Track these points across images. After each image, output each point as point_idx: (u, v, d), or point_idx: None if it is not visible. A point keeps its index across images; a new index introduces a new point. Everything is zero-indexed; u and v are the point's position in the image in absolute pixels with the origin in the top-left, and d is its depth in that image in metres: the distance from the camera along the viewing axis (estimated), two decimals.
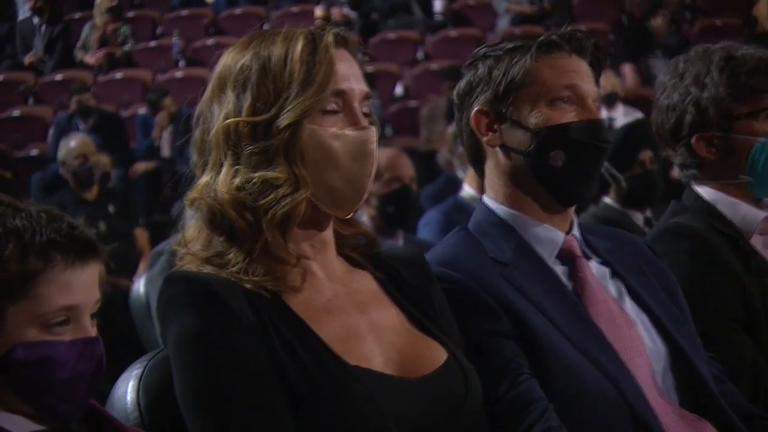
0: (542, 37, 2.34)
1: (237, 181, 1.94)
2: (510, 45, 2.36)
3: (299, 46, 1.96)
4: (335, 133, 1.96)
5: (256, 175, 1.93)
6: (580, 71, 2.34)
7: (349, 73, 1.99)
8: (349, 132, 1.96)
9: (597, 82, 2.40)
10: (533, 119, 2.32)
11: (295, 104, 1.93)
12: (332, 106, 1.97)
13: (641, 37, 10.89)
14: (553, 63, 2.33)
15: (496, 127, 2.37)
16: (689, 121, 2.72)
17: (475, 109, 2.37)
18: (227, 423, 1.83)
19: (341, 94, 1.97)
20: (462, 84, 2.42)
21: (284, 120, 1.93)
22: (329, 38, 1.97)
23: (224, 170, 1.96)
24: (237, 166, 1.95)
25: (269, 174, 1.93)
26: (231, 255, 1.95)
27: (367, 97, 2.01)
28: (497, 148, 2.38)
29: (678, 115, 2.73)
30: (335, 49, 1.98)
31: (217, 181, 1.96)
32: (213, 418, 1.84)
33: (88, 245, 1.79)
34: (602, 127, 2.35)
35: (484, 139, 2.37)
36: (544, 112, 2.31)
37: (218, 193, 1.95)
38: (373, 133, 1.98)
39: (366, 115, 2.00)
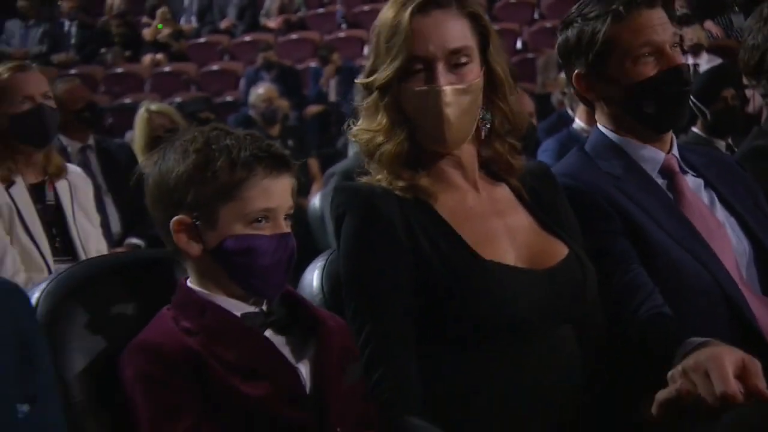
0: (614, 5, 2.22)
1: (358, 129, 2.00)
2: (591, 12, 2.26)
3: (390, 14, 1.94)
4: (414, 91, 1.94)
5: (363, 126, 1.99)
6: (653, 24, 2.23)
7: (431, 36, 1.93)
8: (424, 89, 1.93)
9: (672, 21, 2.28)
10: (623, 77, 2.25)
11: (385, 68, 1.94)
12: (417, 67, 1.93)
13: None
14: (629, 24, 2.22)
15: (594, 85, 2.32)
16: None
17: (575, 71, 2.32)
18: (369, 298, 1.89)
19: (422, 58, 1.93)
20: (560, 46, 2.36)
21: (378, 81, 1.95)
22: (408, 9, 1.92)
23: (360, 120, 2.02)
24: (361, 117, 2.01)
25: (373, 125, 1.97)
26: (381, 176, 1.99)
27: (455, 52, 1.94)
28: (599, 100, 2.35)
29: (761, 52, 2.66)
30: (421, 15, 1.93)
31: (357, 127, 2.03)
32: (360, 294, 1.91)
33: (283, 159, 1.80)
34: (682, 71, 2.25)
35: (587, 96, 2.34)
36: (631, 70, 2.23)
37: (355, 137, 2.03)
38: (446, 90, 1.92)
39: (465, 59, 1.95)
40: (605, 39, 2.24)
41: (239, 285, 1.79)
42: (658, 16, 2.25)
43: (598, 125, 2.41)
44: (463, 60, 1.95)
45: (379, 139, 1.96)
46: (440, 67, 1.93)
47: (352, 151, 5.94)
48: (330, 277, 2.07)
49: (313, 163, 7.80)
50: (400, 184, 1.95)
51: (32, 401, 1.45)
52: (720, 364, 1.60)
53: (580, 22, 2.28)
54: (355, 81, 2.02)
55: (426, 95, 1.93)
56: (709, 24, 9.97)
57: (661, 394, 1.65)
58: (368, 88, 1.98)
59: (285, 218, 1.80)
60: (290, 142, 7.59)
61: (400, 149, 1.96)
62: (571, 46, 2.31)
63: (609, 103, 2.33)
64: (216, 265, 1.78)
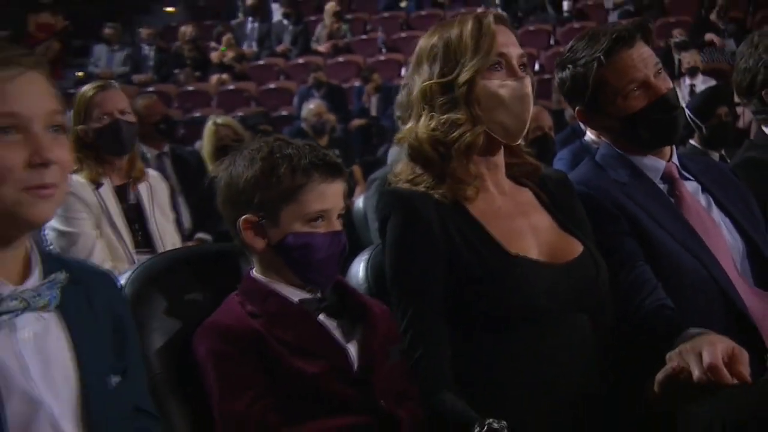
0: (598, 53, 2.20)
1: (432, 124, 1.96)
2: (580, 58, 2.24)
3: (470, 25, 1.95)
4: (501, 83, 1.94)
5: (446, 116, 1.95)
6: (633, 63, 2.20)
7: (507, 41, 1.97)
8: (510, 82, 1.95)
9: (651, 45, 2.25)
10: (617, 111, 2.22)
11: (470, 66, 1.93)
12: (497, 65, 1.95)
13: (706, 28, 10.37)
14: (613, 67, 2.19)
15: (594, 119, 2.31)
16: (761, 79, 2.61)
17: (576, 108, 2.30)
18: (411, 290, 1.88)
19: (502, 56, 1.95)
20: (559, 86, 2.33)
21: (463, 77, 1.93)
22: (490, 18, 1.96)
23: (423, 119, 1.98)
24: (432, 114, 1.97)
25: (455, 116, 1.95)
26: (425, 176, 1.98)
27: (522, 56, 1.97)
28: (601, 129, 2.35)
29: (752, 75, 2.63)
30: (495, 25, 1.96)
31: (417, 126, 1.99)
32: (403, 286, 1.90)
33: (336, 167, 1.80)
34: (668, 99, 2.21)
35: (589, 127, 2.34)
36: (623, 104, 2.21)
37: (418, 134, 1.98)
38: (528, 81, 1.95)
39: (523, 67, 1.97)
40: (595, 82, 2.21)
41: (297, 275, 1.79)
42: (638, 53, 2.21)
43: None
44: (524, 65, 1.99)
45: (460, 130, 1.94)
46: (516, 65, 1.96)
47: (390, 158, 5.93)
48: (374, 269, 2.06)
49: (357, 170, 7.79)
50: (440, 190, 1.94)
51: (123, 374, 1.46)
52: (713, 346, 1.63)
53: (572, 67, 2.26)
54: (436, 80, 1.97)
55: (514, 86, 1.94)
56: (710, 35, 9.87)
57: (660, 374, 1.67)
58: (446, 86, 1.95)
59: (337, 218, 1.80)
60: (337, 152, 7.57)
61: (477, 140, 1.95)
62: (568, 88, 2.29)
63: (609, 131, 2.31)
64: (278, 258, 1.78)
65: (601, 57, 2.19)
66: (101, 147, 3.52)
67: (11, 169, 1.29)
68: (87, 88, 3.59)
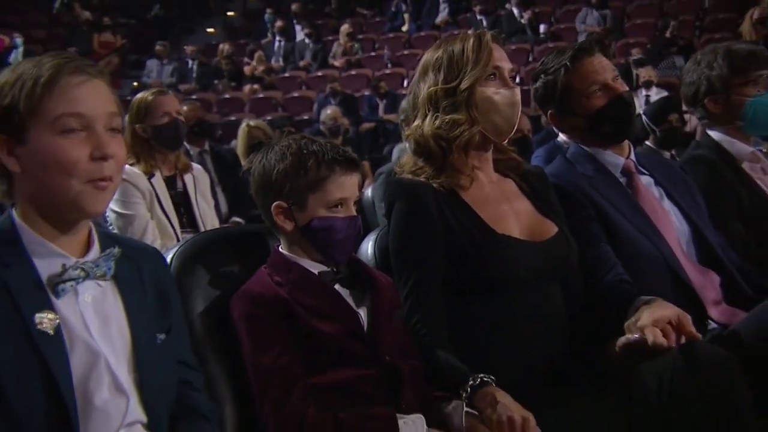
0: (565, 62, 2.21)
1: (437, 123, 1.96)
2: (550, 67, 2.25)
3: (471, 41, 1.95)
4: (495, 91, 1.95)
5: (448, 117, 1.95)
6: (594, 68, 2.20)
7: (501, 56, 1.97)
8: (503, 90, 1.95)
9: (608, 57, 2.25)
10: (583, 110, 2.22)
11: (470, 75, 1.93)
12: (492, 76, 1.95)
13: (663, 47, 10.32)
14: (577, 73, 2.21)
15: (563, 120, 2.29)
16: (703, 90, 2.60)
17: (549, 112, 2.29)
18: (411, 264, 1.87)
19: (497, 68, 1.95)
20: (534, 95, 2.32)
21: (464, 84, 1.93)
22: (488, 36, 1.97)
23: (428, 119, 1.98)
24: (436, 114, 1.96)
25: (456, 116, 1.94)
26: (426, 168, 1.97)
27: (512, 70, 1.98)
28: (570, 129, 2.33)
29: (696, 87, 2.62)
30: (492, 42, 1.96)
31: (423, 124, 1.98)
32: (405, 261, 1.89)
33: (354, 161, 1.80)
34: (625, 98, 2.21)
35: (560, 129, 2.35)
36: (587, 104, 2.21)
37: (424, 131, 1.98)
38: (517, 91, 1.95)
39: (513, 79, 1.97)
40: (563, 86, 2.22)
41: (320, 253, 1.78)
42: (598, 60, 2.22)
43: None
44: (514, 77, 1.99)
45: (460, 129, 1.93)
46: (508, 76, 1.96)
47: (394, 155, 5.91)
48: (380, 247, 2.06)
49: (366, 165, 7.74)
50: (438, 179, 1.94)
51: (167, 332, 1.47)
52: (662, 316, 1.69)
53: (543, 76, 2.27)
54: (441, 86, 1.95)
55: (507, 95, 1.94)
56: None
57: (620, 341, 1.70)
58: (449, 92, 1.95)
59: (354, 205, 1.79)
60: (349, 149, 7.57)
61: (474, 138, 1.95)
62: (541, 95, 2.29)
63: (576, 129, 2.30)
64: (303, 238, 1.78)
65: (567, 64, 2.21)
66: (159, 142, 3.52)
67: (78, 162, 1.32)
68: (146, 93, 3.59)
